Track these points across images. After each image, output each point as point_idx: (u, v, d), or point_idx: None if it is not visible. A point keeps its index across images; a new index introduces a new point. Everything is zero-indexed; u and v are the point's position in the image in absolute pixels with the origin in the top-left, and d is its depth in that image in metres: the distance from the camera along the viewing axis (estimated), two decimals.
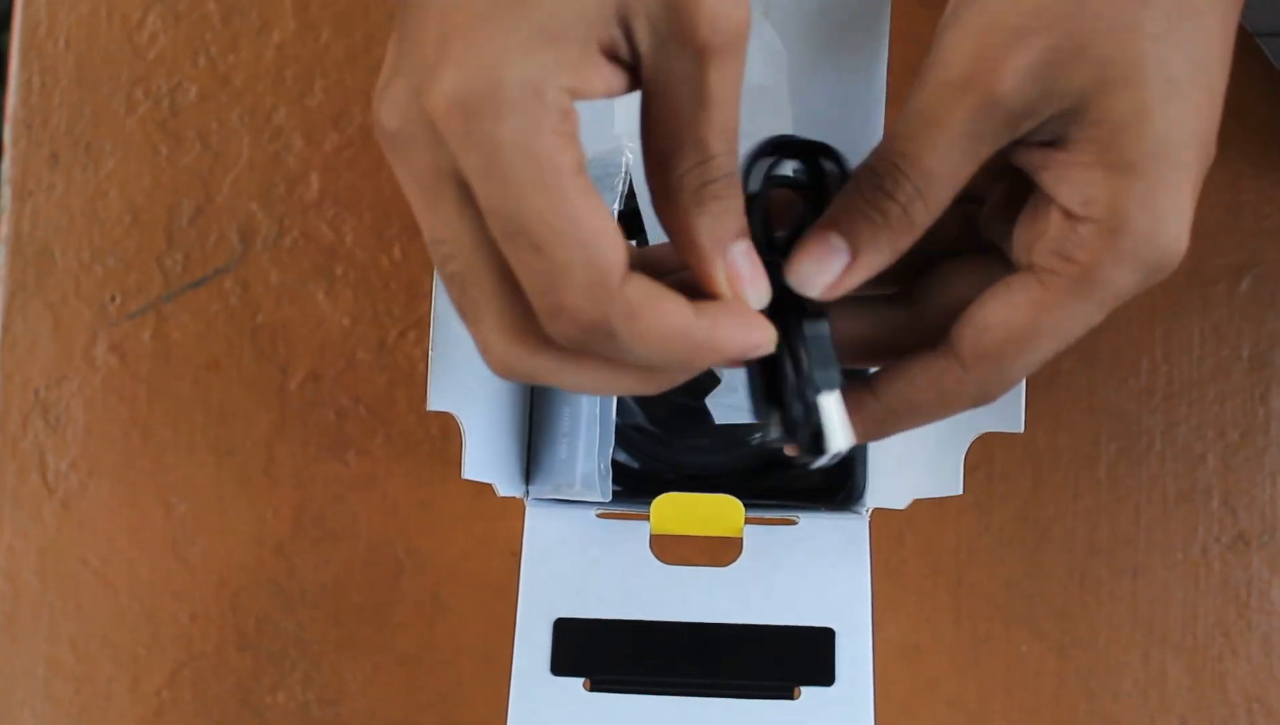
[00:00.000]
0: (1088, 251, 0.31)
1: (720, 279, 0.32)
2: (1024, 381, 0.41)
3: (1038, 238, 0.33)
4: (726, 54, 0.30)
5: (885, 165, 0.32)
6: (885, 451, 0.47)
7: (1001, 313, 0.32)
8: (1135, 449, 0.55)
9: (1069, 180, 0.32)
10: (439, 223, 0.31)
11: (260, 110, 0.57)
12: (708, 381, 0.47)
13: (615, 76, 0.31)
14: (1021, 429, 0.40)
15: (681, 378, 0.32)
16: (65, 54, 0.57)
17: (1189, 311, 0.55)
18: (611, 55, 0.31)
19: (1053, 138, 0.32)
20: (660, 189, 0.32)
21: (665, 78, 0.31)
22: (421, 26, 0.30)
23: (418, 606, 0.55)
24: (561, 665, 0.43)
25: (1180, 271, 0.55)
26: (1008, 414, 0.41)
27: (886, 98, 0.46)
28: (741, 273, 0.32)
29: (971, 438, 0.41)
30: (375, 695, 0.55)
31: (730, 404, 0.47)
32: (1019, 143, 0.32)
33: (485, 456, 0.44)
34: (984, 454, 0.55)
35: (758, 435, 0.50)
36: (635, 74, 0.31)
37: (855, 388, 0.34)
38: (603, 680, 0.43)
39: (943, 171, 0.32)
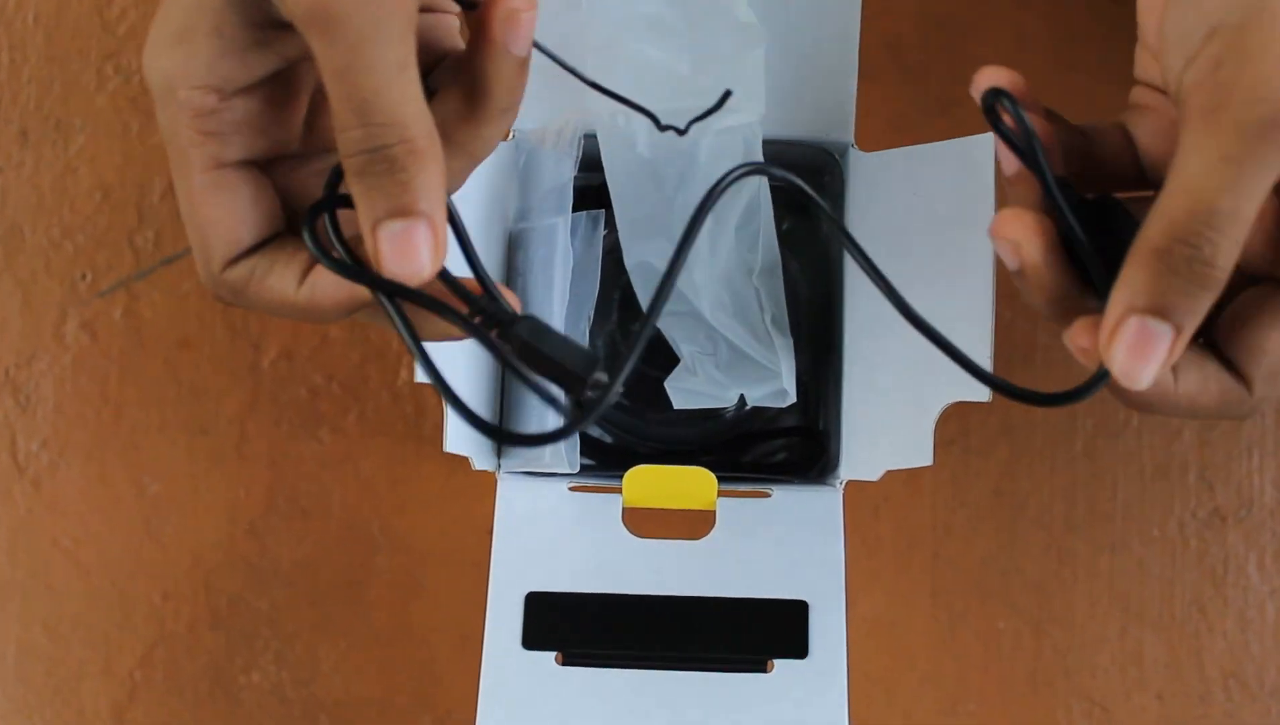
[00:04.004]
0: None
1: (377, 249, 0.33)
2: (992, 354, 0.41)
3: None
4: (326, 24, 0.31)
5: (1198, 229, 0.31)
6: (857, 424, 0.47)
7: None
8: (1112, 424, 0.55)
9: None
10: None
11: None
12: (672, 358, 0.47)
13: (284, 51, 0.33)
14: (988, 398, 0.40)
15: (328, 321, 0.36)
16: (34, 30, 0.57)
17: None
18: (279, 26, 0.32)
19: None
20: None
21: (313, 50, 0.32)
22: None
23: (392, 585, 0.55)
24: (533, 639, 0.43)
25: None
26: (974, 382, 0.40)
27: (859, 70, 0.46)
28: (384, 251, 0.33)
29: (940, 408, 0.41)
30: (349, 674, 0.55)
31: (689, 388, 0.47)
32: None
33: (465, 429, 0.44)
34: (960, 428, 0.54)
35: (730, 410, 0.50)
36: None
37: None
38: (575, 654, 0.43)
39: (1250, 212, 0.31)
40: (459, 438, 0.42)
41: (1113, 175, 0.37)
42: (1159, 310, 0.31)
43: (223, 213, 0.34)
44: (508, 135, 0.36)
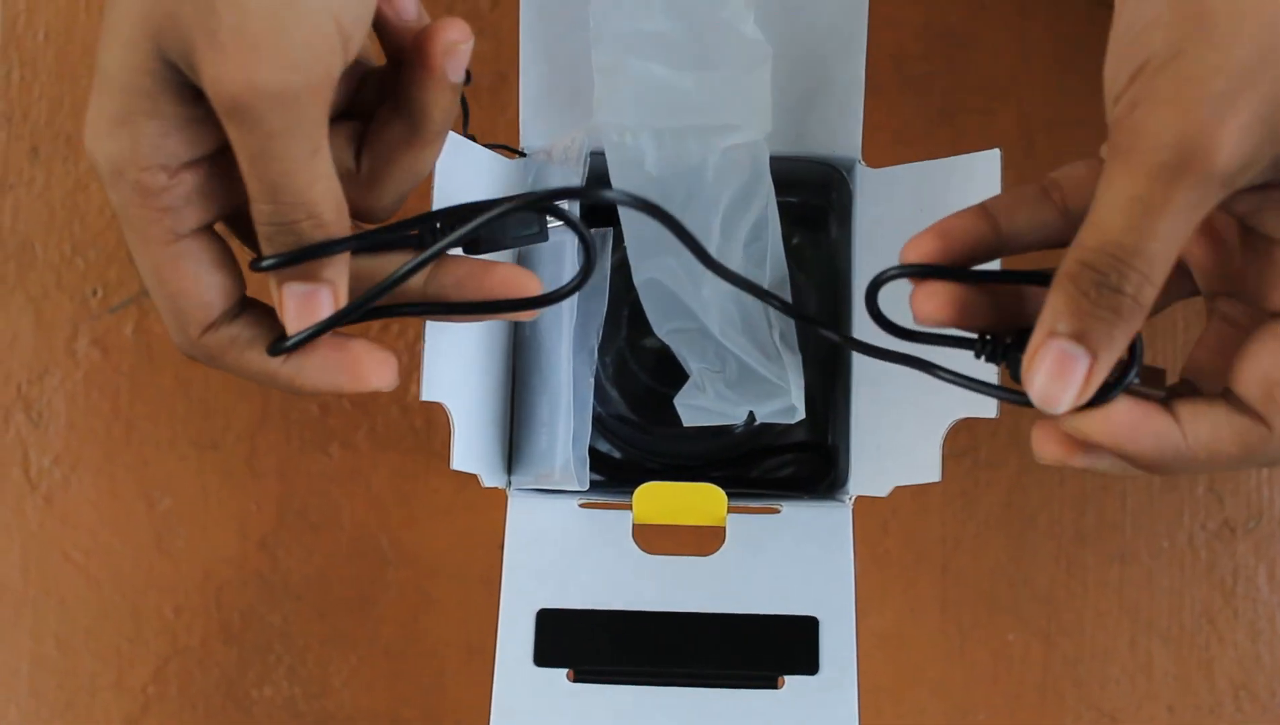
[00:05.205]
0: None
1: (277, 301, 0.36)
2: None
3: (1276, 286, 0.33)
4: (243, 117, 0.32)
5: (1106, 261, 0.31)
6: (866, 440, 0.47)
7: None
8: None
9: None
10: None
11: None
12: (681, 374, 0.47)
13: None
14: (995, 414, 0.40)
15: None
16: (45, 47, 0.57)
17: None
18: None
19: (1266, 180, 0.32)
20: None
21: (228, 134, 0.33)
22: None
23: (402, 599, 0.55)
24: (544, 656, 0.43)
25: None
26: (982, 399, 0.40)
27: (865, 84, 0.46)
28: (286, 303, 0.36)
29: (947, 424, 0.41)
30: (360, 688, 0.55)
31: (698, 405, 0.47)
32: (1232, 194, 0.32)
33: (473, 447, 0.44)
34: (969, 442, 0.55)
35: (739, 426, 0.50)
36: None
37: (1160, 412, 0.34)
38: (586, 671, 0.43)
39: (1167, 252, 0.31)
40: (466, 455, 0.43)
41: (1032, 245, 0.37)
42: (1075, 335, 0.32)
43: (190, 283, 0.35)
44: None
